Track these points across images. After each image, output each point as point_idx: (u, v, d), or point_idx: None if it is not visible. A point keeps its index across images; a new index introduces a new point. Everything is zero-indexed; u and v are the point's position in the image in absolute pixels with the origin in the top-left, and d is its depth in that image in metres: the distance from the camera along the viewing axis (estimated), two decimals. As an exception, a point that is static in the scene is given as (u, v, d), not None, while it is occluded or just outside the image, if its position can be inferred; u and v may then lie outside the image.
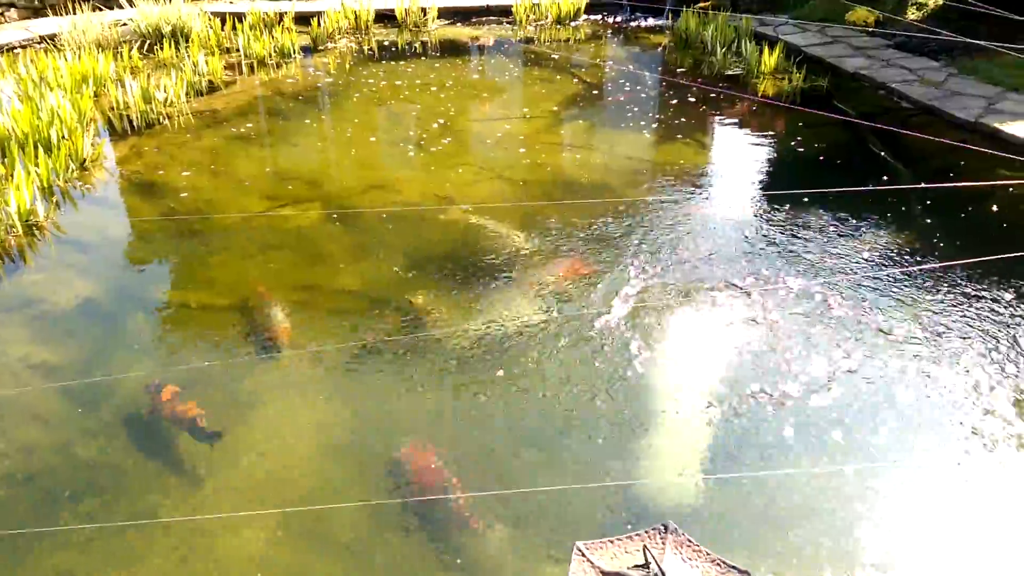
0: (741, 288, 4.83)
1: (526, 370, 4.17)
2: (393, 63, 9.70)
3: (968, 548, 3.20)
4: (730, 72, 8.93)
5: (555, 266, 5.10)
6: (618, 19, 11.58)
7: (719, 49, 9.20)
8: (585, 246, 5.35)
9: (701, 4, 10.95)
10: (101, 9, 11.00)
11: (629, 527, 3.17)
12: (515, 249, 5.32)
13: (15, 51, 9.71)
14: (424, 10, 11.31)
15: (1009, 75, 7.72)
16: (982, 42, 7.89)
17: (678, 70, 9.35)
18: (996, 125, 6.72)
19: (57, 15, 11.07)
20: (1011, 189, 5.85)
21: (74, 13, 10.28)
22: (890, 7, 9.81)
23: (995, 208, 5.69)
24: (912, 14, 9.65)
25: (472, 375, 4.16)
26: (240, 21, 10.18)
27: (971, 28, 8.59)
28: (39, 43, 10.02)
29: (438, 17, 11.44)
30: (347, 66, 9.61)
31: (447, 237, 5.53)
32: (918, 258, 5.14)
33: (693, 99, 8.13)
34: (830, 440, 3.67)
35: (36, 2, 11.16)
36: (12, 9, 11.05)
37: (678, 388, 4.03)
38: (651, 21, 11.37)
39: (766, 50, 8.70)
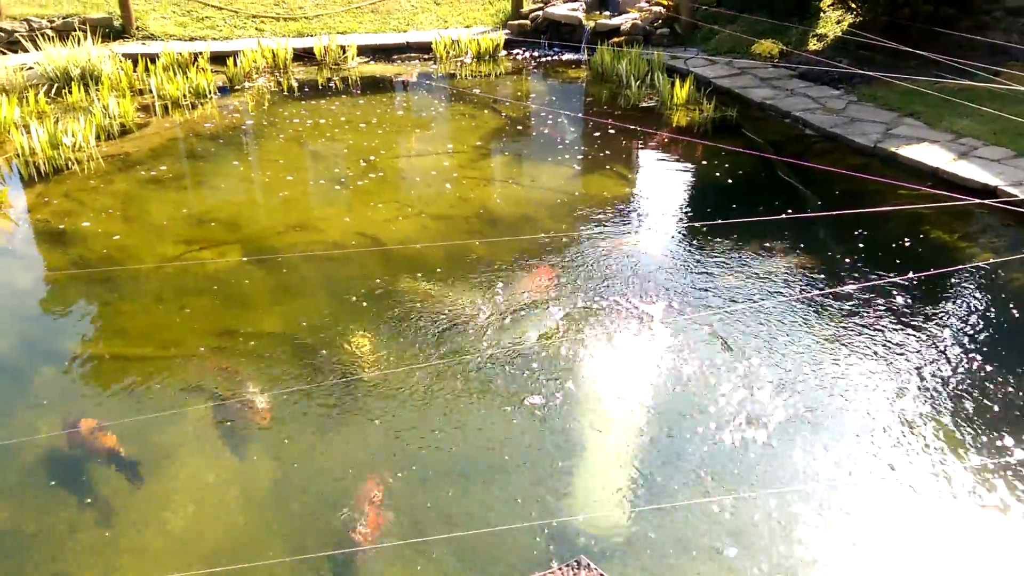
0: (660, 318, 4.94)
1: (453, 409, 4.16)
2: (314, 101, 9.65)
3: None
4: (645, 104, 9.20)
5: (480, 301, 5.12)
6: (537, 54, 11.81)
7: (633, 82, 9.49)
8: (508, 280, 5.39)
9: (615, 39, 11.28)
10: (4, 53, 10.63)
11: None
12: (439, 287, 5.32)
13: (-90, 97, 9.26)
14: (343, 48, 11.31)
15: (904, 101, 8.20)
16: (875, 73, 8.37)
17: (596, 103, 9.60)
18: (893, 150, 7.11)
19: (-43, 59, 10.62)
20: (913, 211, 6.18)
21: (-25, 57, 9.91)
22: (793, 39, 10.32)
23: (895, 230, 6.00)
24: (813, 45, 10.17)
25: (398, 417, 4.12)
26: (153, 62, 9.97)
27: (868, 58, 9.12)
28: (-63, 88, 9.58)
29: (358, 55, 11.46)
30: (266, 105, 9.51)
31: (371, 275, 5.49)
32: (822, 282, 5.36)
33: (611, 131, 8.34)
34: (747, 466, 3.77)
35: (-67, 46, 10.72)
36: (-93, 53, 10.57)
37: (601, 421, 4.08)
38: (569, 56, 11.65)
39: (678, 82, 9.01)
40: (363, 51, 11.61)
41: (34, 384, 4.45)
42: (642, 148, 8.11)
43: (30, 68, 9.84)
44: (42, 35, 10.42)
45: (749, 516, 3.46)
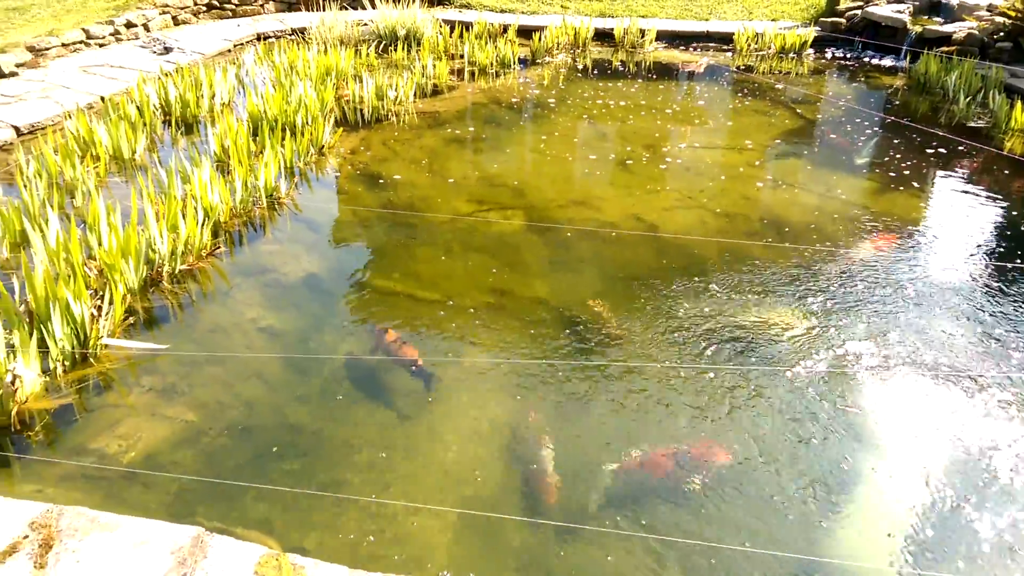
0: (960, 372, 4.42)
1: (716, 411, 4.06)
2: (606, 81, 9.80)
3: None
4: (972, 124, 8.20)
5: (752, 309, 4.92)
6: (847, 56, 10.98)
7: (962, 98, 8.48)
8: (784, 293, 5.12)
9: (944, 48, 10.14)
10: (347, 8, 11.99)
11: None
12: (714, 286, 5.19)
13: (270, 40, 10.81)
14: (643, 31, 11.34)
15: None
16: None
17: (911, 116, 8.72)
18: None
19: (308, 11, 12.19)
20: None
21: (323, 10, 11.28)
22: None
23: None
24: None
25: (664, 410, 4.10)
26: (467, 30, 10.72)
27: None
28: (290, 35, 11.09)
29: (656, 39, 11.43)
30: (562, 81, 9.82)
31: (642, 260, 5.50)
32: None
33: (928, 149, 7.55)
34: (1057, 550, 3.27)
35: (293, -1, 12.37)
36: (270, 2, 12.32)
37: (884, 469, 3.76)
38: (883, 61, 10.69)
39: (1019, 105, 7.90)
40: (661, 36, 11.56)
41: (340, 307, 5.03)
42: (962, 173, 7.24)
43: (365, 24, 11.03)
44: (379, -4, 11.59)
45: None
